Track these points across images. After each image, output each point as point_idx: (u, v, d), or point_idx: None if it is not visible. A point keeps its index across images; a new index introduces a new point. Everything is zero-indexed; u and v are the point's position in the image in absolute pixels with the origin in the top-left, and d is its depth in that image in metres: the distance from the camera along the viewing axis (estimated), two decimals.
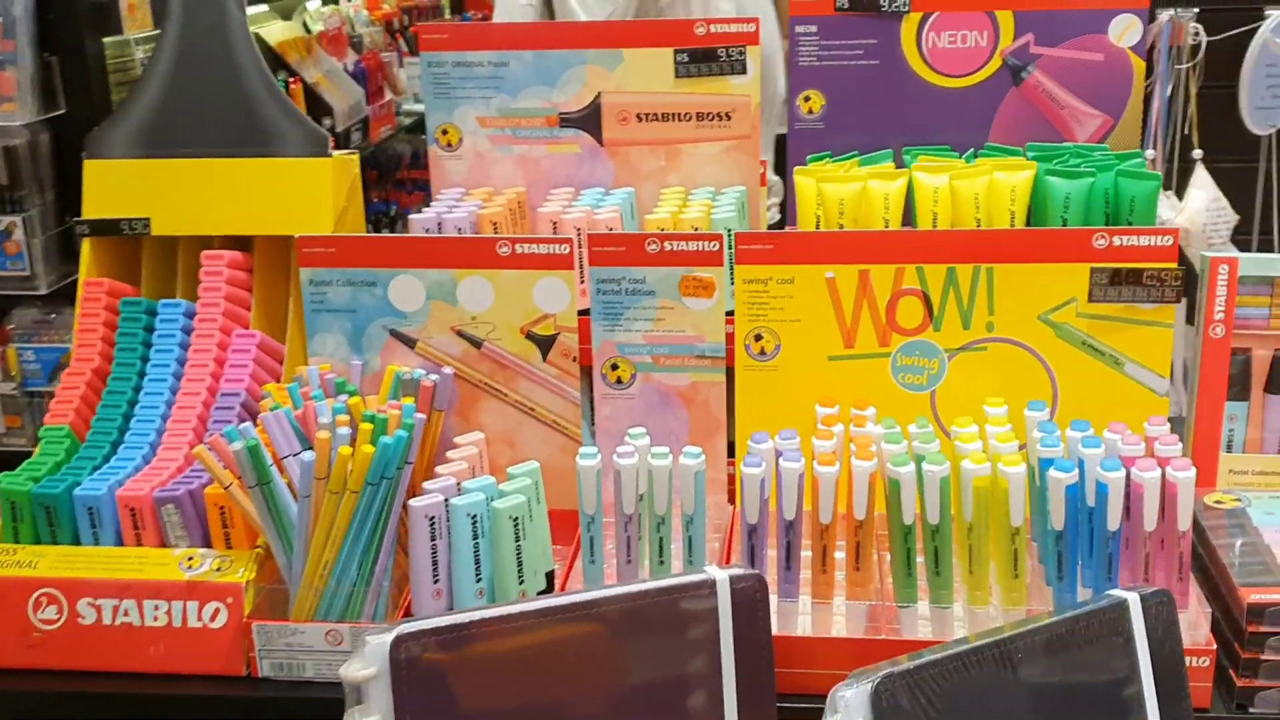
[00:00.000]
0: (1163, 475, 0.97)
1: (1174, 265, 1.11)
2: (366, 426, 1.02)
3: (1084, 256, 1.11)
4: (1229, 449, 1.21)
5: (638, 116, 1.43)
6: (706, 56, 1.40)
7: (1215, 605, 1.03)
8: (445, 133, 1.44)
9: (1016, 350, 1.13)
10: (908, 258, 1.13)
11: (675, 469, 1.02)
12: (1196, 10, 2.15)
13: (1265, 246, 2.43)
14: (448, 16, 4.83)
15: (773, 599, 1.00)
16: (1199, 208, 2.28)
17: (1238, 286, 1.16)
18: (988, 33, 1.40)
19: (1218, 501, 1.13)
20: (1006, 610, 1.02)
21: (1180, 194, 2.27)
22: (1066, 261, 1.11)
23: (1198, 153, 2.21)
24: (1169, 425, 1.05)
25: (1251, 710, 0.98)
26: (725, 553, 1.12)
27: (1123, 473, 0.97)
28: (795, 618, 1.03)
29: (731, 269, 1.18)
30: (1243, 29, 2.14)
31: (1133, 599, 0.90)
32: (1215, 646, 0.98)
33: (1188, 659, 0.97)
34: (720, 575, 0.91)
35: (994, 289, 1.12)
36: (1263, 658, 0.97)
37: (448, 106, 1.43)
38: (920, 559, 1.02)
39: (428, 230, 1.31)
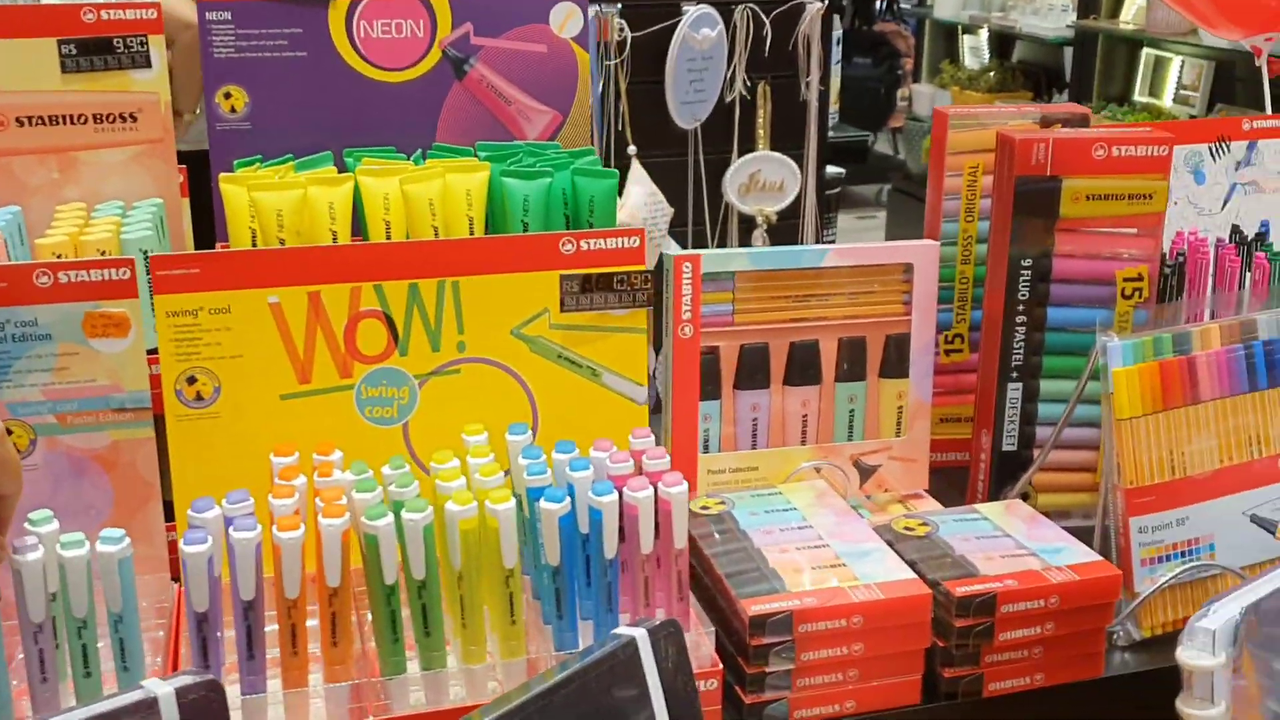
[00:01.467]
0: (655, 493, 0.91)
1: (643, 267, 1.05)
2: None
3: (552, 264, 1.02)
4: (705, 449, 1.18)
5: (18, 121, 1.18)
6: (99, 48, 1.18)
7: (716, 619, 0.98)
8: None
9: (491, 370, 1.03)
10: (364, 275, 0.99)
11: (94, 558, 0.82)
12: (619, 5, 2.18)
13: (699, 238, 2.53)
14: None
15: (236, 697, 0.83)
16: (639, 203, 2.31)
17: (701, 284, 1.13)
18: (424, 21, 1.29)
19: (704, 507, 1.09)
20: (505, 663, 0.91)
21: (619, 191, 2.29)
22: (535, 270, 1.02)
23: (632, 149, 2.25)
24: (653, 437, 0.99)
25: None
26: (172, 650, 0.92)
27: (615, 496, 0.89)
28: (265, 712, 0.86)
29: (151, 300, 0.98)
30: (663, 24, 2.19)
31: (640, 636, 0.82)
32: (721, 666, 0.93)
33: (700, 683, 0.91)
34: (163, 690, 0.73)
35: (461, 304, 1.01)
36: (768, 670, 0.93)
37: None
38: (407, 620, 0.89)
39: None
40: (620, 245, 1.04)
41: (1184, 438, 1.06)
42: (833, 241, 2.64)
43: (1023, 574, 0.98)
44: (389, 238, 1.11)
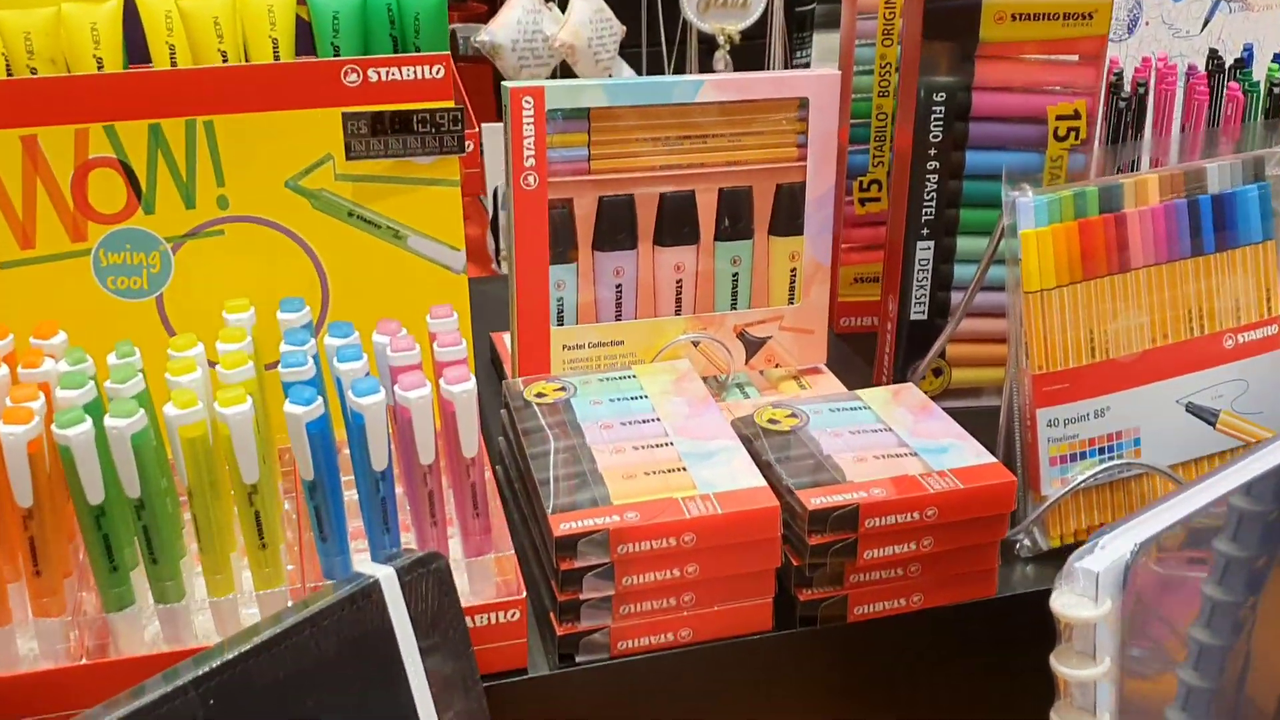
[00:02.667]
0: (436, 392, 0.74)
1: (450, 104, 0.86)
2: None
3: (333, 99, 0.84)
4: (560, 321, 1.00)
5: None
6: None
7: (537, 533, 0.83)
8: None
9: (264, 231, 0.85)
10: (91, 113, 0.81)
11: None
12: None
13: (654, 61, 2.31)
14: None
15: None
16: (583, 20, 2.09)
17: (546, 123, 0.94)
18: None
19: (539, 395, 0.92)
20: (260, 595, 0.76)
21: (563, 6, 2.07)
22: (311, 107, 0.83)
23: None
24: (454, 316, 0.82)
25: (579, 660, 0.79)
26: None
27: (379, 396, 0.72)
28: None
29: None
30: None
31: (386, 576, 0.66)
32: (524, 594, 0.78)
33: (496, 615, 0.76)
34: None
35: (219, 149, 0.83)
36: (583, 597, 0.78)
37: None
38: (129, 546, 0.73)
39: None
40: (421, 75, 0.85)
41: (1107, 313, 0.88)
42: (806, 65, 2.41)
43: (896, 480, 0.81)
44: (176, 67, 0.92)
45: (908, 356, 1.07)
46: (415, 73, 0.84)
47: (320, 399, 0.72)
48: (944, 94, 0.99)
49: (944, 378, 1.08)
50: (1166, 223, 0.88)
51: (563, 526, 0.76)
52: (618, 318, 1.02)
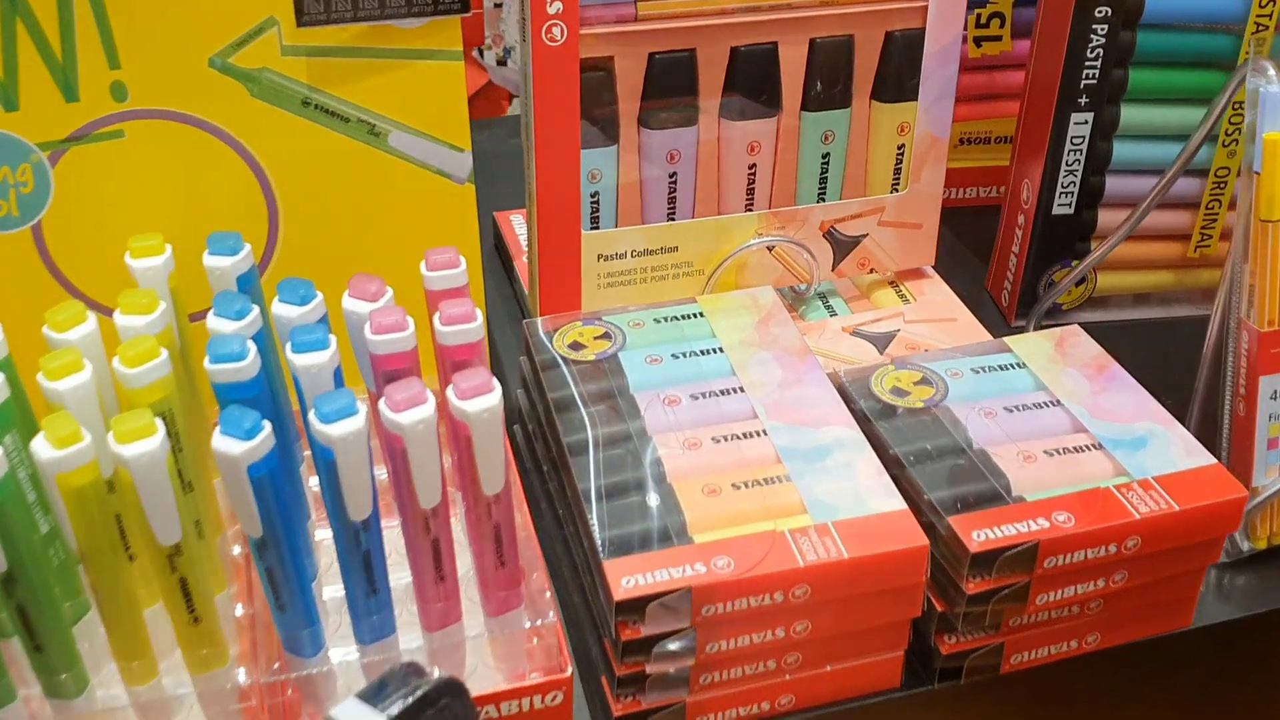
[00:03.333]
0: (435, 409, 0.50)
1: None
2: None
3: None
4: (594, 223, 0.75)
5: None
6: None
7: (570, 558, 0.61)
8: None
9: (181, 131, 0.59)
10: None
11: None
12: None
13: None
14: None
15: None
16: None
17: None
18: None
19: (573, 345, 0.68)
20: (198, 682, 0.53)
21: None
22: None
23: None
24: (461, 262, 0.57)
25: None
26: None
27: (359, 422, 0.48)
28: None
29: None
30: None
31: None
32: (571, 671, 0.55)
33: (532, 700, 0.54)
34: None
35: (108, 18, 0.55)
36: (650, 671, 0.56)
37: None
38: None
39: None
40: None
41: None
42: None
43: (1085, 498, 0.58)
44: None
45: (1042, 258, 0.82)
46: None
47: (266, 427, 0.47)
48: None
49: (1087, 285, 0.84)
50: None
51: (625, 584, 0.53)
52: (670, 217, 0.77)
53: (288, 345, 0.52)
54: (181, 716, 0.53)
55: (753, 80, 0.75)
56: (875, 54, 0.76)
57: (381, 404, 0.49)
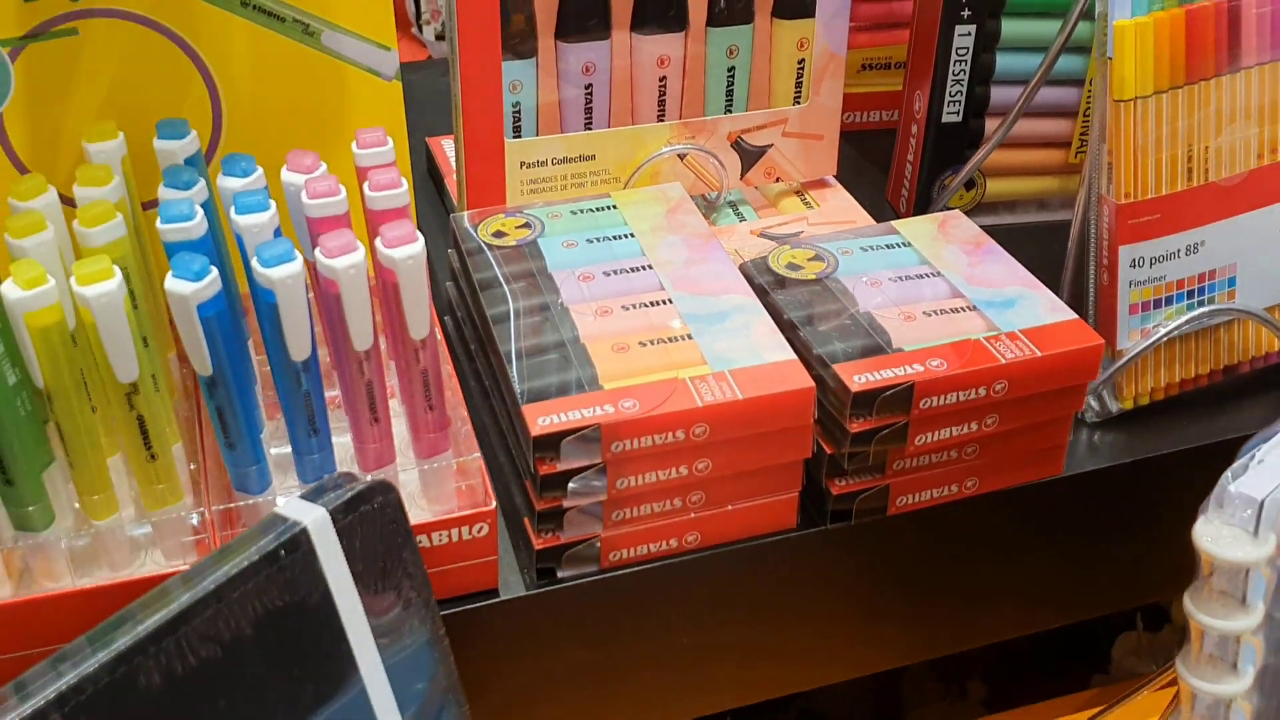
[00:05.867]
0: (369, 258, 0.56)
1: None
2: None
3: None
4: (516, 132, 0.81)
5: None
6: None
7: (494, 416, 0.66)
8: None
9: (132, 29, 0.64)
10: None
11: None
12: None
13: None
14: None
15: None
16: None
17: None
18: None
19: (496, 234, 0.74)
20: (154, 517, 0.58)
21: None
22: None
23: None
24: (389, 143, 0.62)
25: (562, 576, 0.64)
26: None
27: (297, 267, 0.54)
28: None
29: None
30: None
31: (315, 521, 0.49)
32: (494, 504, 0.61)
33: (459, 530, 0.60)
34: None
35: None
36: (566, 505, 0.62)
37: None
38: None
39: None
40: None
41: (1210, 125, 0.70)
42: None
43: (957, 347, 0.65)
44: None
45: (934, 165, 0.89)
46: None
47: (214, 270, 0.53)
48: None
49: (977, 190, 0.91)
50: None
51: (541, 422, 0.59)
52: (587, 126, 0.83)
53: (231, 210, 0.58)
54: (140, 557, 0.59)
55: None
56: None
57: (316, 252, 0.55)
